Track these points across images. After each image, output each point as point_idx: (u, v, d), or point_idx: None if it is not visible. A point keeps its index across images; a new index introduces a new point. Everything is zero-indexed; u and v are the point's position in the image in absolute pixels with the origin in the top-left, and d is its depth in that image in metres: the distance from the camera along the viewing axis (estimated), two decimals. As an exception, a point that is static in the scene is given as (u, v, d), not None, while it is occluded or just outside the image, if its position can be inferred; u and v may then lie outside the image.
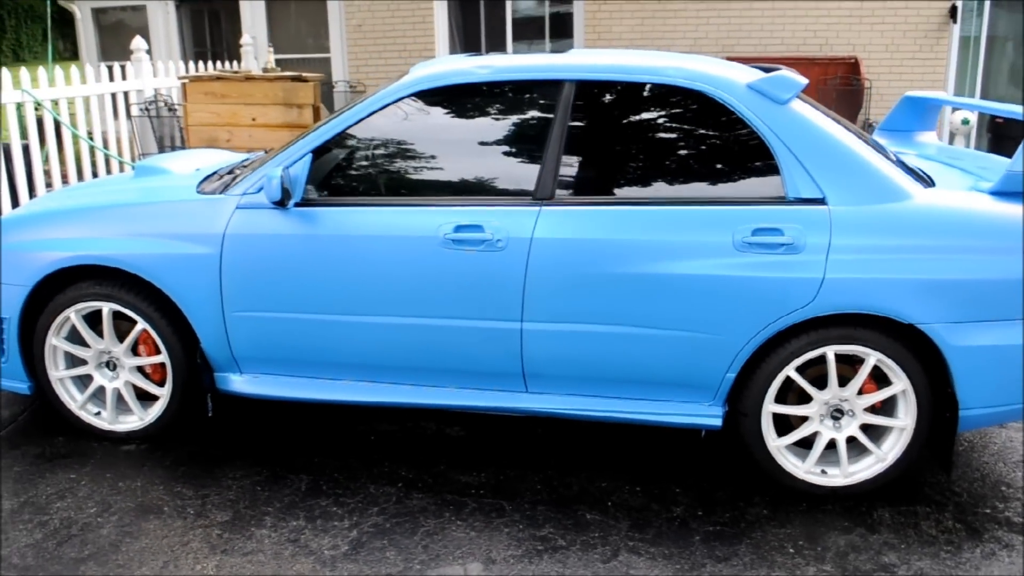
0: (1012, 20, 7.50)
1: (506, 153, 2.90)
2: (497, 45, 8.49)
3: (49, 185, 5.57)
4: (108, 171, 6.12)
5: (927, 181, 2.85)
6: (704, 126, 2.81)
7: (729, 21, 7.78)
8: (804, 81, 2.81)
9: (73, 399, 3.19)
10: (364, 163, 2.97)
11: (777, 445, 2.84)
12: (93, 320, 3.13)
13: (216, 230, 2.94)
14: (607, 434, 3.29)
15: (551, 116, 2.87)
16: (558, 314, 2.81)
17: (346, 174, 2.97)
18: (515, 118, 2.92)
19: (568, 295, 2.78)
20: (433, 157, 2.94)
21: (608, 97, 2.87)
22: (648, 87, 2.85)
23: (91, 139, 5.75)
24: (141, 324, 3.03)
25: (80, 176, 5.77)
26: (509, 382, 2.95)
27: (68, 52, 22.95)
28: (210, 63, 7.77)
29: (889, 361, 2.71)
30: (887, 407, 2.83)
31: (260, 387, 3.07)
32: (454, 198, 2.86)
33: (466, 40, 8.54)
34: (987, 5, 7.39)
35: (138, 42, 6.32)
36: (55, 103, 5.52)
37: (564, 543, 2.60)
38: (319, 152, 2.95)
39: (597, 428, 3.33)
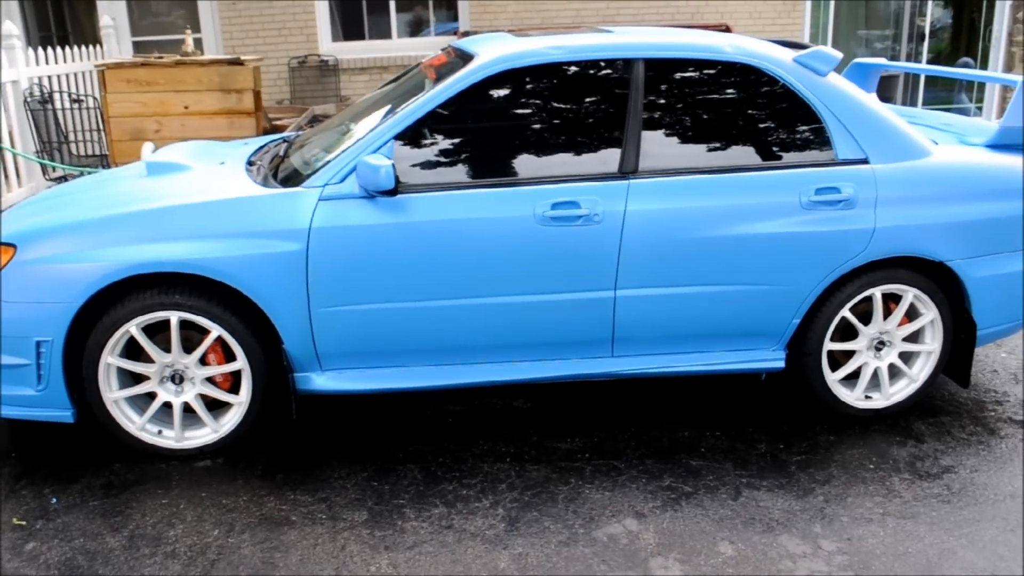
0: (853, -11, 8.56)
1: (586, 130, 3.00)
2: (380, 24, 8.29)
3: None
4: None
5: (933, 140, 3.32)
6: (761, 97, 3.08)
7: (610, -7, 8.15)
8: (839, 55, 3.15)
9: (131, 420, 2.92)
10: (447, 147, 2.95)
11: (833, 379, 3.22)
12: (148, 333, 2.87)
13: (301, 225, 2.80)
14: (660, 389, 3.53)
15: (626, 93, 3.01)
16: (648, 279, 2.99)
17: (429, 159, 2.93)
18: (592, 96, 3.02)
19: (657, 261, 2.96)
20: (515, 138, 2.98)
21: (677, 73, 3.05)
22: (710, 63, 3.07)
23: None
24: (216, 331, 2.83)
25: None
26: (597, 348, 3.09)
27: None
28: (61, 49, 6.95)
29: (923, 295, 3.16)
30: (914, 335, 3.29)
31: (344, 383, 2.99)
32: (543, 177, 2.93)
33: (347, 20, 8.26)
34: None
35: (9, 27, 5.52)
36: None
37: (690, 488, 2.83)
38: (399, 138, 2.89)
39: (647, 384, 3.56)
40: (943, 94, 8.85)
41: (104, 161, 5.50)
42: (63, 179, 5.60)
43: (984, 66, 8.42)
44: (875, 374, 3.26)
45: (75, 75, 6.47)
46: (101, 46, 7.05)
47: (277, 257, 2.79)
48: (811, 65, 3.10)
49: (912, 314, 3.23)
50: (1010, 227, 3.15)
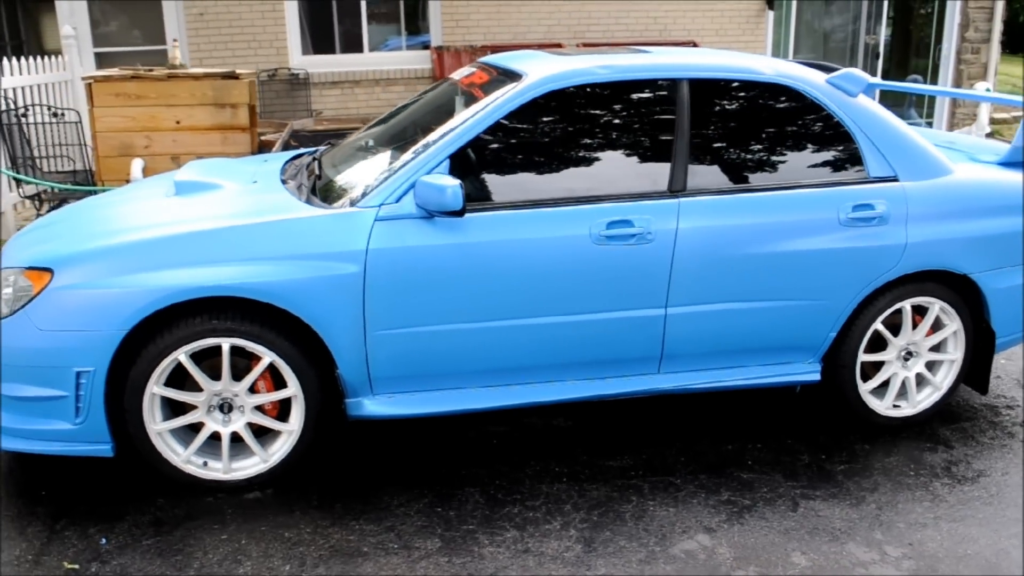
0: (815, 6, 8.85)
1: (636, 149, 3.03)
2: (351, 37, 8.18)
3: None
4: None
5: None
6: (799, 117, 3.17)
7: (580, 9, 8.24)
8: (870, 78, 3.27)
9: (175, 452, 2.79)
10: (502, 166, 2.93)
11: (865, 389, 3.33)
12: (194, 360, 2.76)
13: (358, 246, 2.74)
14: (693, 403, 3.57)
15: (673, 112, 3.05)
16: (697, 297, 3.03)
17: (484, 178, 2.91)
18: (640, 115, 3.06)
19: (707, 279, 3.01)
20: (567, 156, 2.99)
21: (720, 94, 3.11)
22: (751, 84, 3.14)
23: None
24: (268, 357, 2.74)
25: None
26: (645, 366, 3.12)
27: None
28: (17, 60, 6.63)
29: (948, 307, 3.30)
30: (938, 345, 3.43)
31: (396, 407, 2.93)
32: (596, 196, 2.94)
33: (317, 29, 8.13)
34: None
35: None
36: None
37: (748, 501, 2.87)
38: (452, 158, 2.86)
39: (680, 400, 3.60)
40: (894, 109, 9.25)
41: (89, 178, 5.26)
42: (37, 197, 5.32)
43: (934, 83, 8.86)
44: (902, 384, 3.38)
45: (44, 87, 6.13)
46: (62, 57, 6.74)
47: (334, 280, 2.73)
48: (843, 86, 3.21)
49: (936, 325, 3.37)
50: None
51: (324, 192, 3.00)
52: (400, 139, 3.29)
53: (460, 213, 2.68)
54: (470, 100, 3.16)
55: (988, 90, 7.79)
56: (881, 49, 8.91)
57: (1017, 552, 2.62)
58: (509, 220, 2.85)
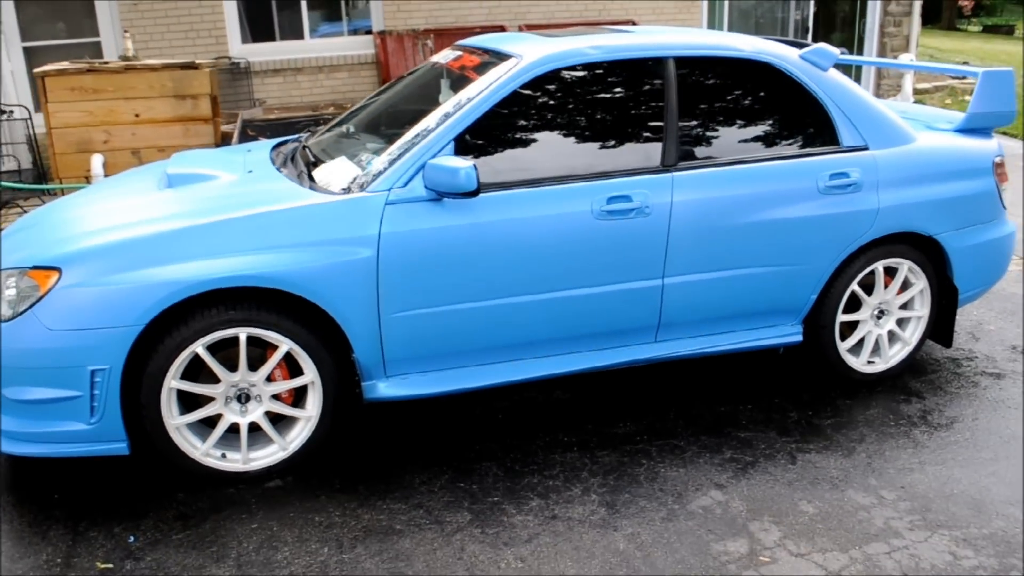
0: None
1: (629, 126, 3.13)
2: (292, 24, 8.01)
3: None
4: None
5: (908, 126, 3.70)
6: (777, 91, 3.32)
7: (522, -10, 8.30)
8: (839, 52, 3.45)
9: (194, 446, 2.77)
10: (503, 146, 2.99)
11: (843, 347, 3.54)
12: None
13: (371, 230, 2.76)
14: (678, 370, 3.72)
15: (662, 90, 3.16)
16: (691, 266, 3.17)
17: (484, 159, 2.96)
18: (631, 93, 3.16)
19: (700, 248, 3.15)
20: (564, 135, 3.07)
21: (703, 71, 3.24)
22: (732, 61, 3.28)
23: None
24: (286, 345, 2.75)
25: None
26: (643, 335, 3.25)
27: None
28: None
29: (915, 267, 3.53)
30: (907, 303, 3.66)
31: (408, 388, 2.98)
32: (595, 173, 3.04)
33: (256, 17, 7.92)
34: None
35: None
36: None
37: (751, 458, 3.04)
38: (456, 140, 2.90)
39: (664, 367, 3.75)
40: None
41: (39, 177, 5.05)
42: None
43: (859, 55, 9.27)
44: (876, 341, 3.61)
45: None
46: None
47: (350, 265, 2.75)
48: (814, 61, 3.38)
49: (904, 285, 3.60)
50: (982, 201, 3.58)
51: (326, 178, 3.00)
52: (391, 124, 3.31)
53: (475, 193, 2.73)
54: (461, 82, 3.20)
55: (912, 60, 8.20)
56: (810, 24, 9.26)
57: (998, 487, 2.86)
58: (516, 199, 2.92)
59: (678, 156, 3.15)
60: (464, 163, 2.70)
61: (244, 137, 5.87)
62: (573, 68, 3.08)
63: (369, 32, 8.26)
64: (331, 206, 2.78)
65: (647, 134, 3.14)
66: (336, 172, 2.99)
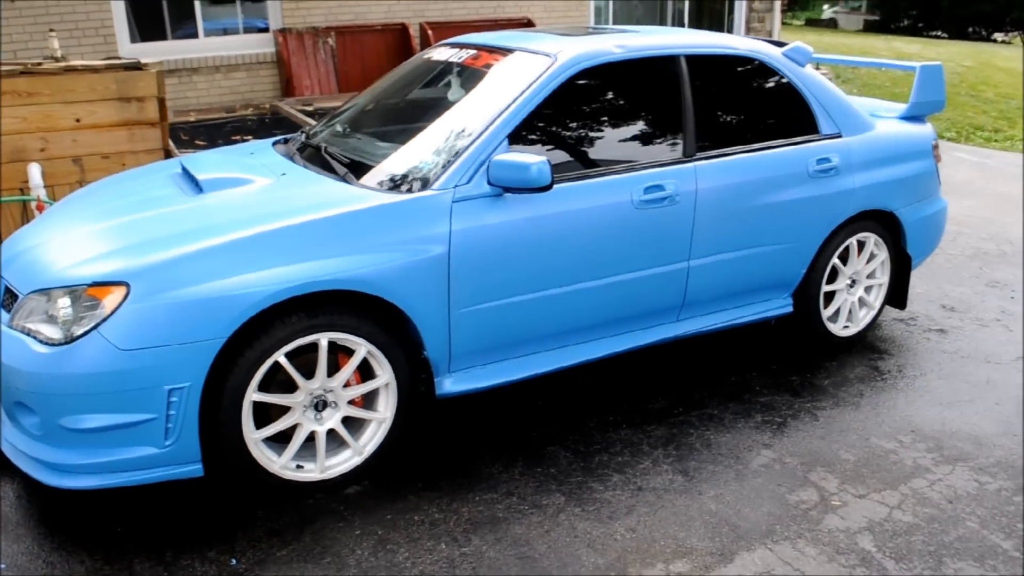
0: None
1: (654, 120, 3.33)
2: (184, 23, 7.56)
3: None
4: None
5: (861, 115, 4.14)
6: (767, 86, 3.64)
7: (422, -11, 8.31)
8: (812, 49, 3.82)
9: (271, 460, 2.67)
10: (543, 142, 3.09)
11: (825, 315, 3.93)
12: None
13: (441, 228, 2.78)
14: (672, 350, 3.97)
15: (678, 86, 3.38)
16: (712, 248, 3.42)
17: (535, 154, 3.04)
18: (653, 90, 3.35)
19: (719, 231, 3.41)
20: (600, 130, 3.21)
21: (708, 68, 3.49)
22: (730, 58, 3.55)
23: None
24: (364, 348, 2.71)
25: None
26: (669, 315, 3.46)
27: None
28: None
29: (879, 239, 3.98)
30: (871, 272, 4.11)
31: (471, 382, 3.02)
32: (630, 164, 3.20)
33: (146, 15, 7.41)
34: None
35: None
36: None
37: (780, 419, 3.33)
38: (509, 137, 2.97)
39: (659, 349, 3.99)
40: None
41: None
42: None
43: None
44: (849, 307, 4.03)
45: None
46: None
47: (424, 263, 2.75)
48: (794, 57, 3.73)
49: (870, 256, 4.04)
50: (927, 179, 4.08)
51: (376, 178, 2.96)
52: (411, 120, 3.34)
53: (548, 187, 2.81)
54: (480, 80, 3.28)
55: None
56: (685, 18, 9.92)
57: (986, 424, 3.32)
58: (570, 192, 3.03)
59: (696, 147, 3.38)
60: (535, 159, 2.78)
61: (177, 141, 5.54)
62: (602, 67, 3.23)
63: (264, 30, 7.97)
64: (401, 205, 2.77)
65: (669, 127, 3.35)
66: (387, 171, 2.97)
